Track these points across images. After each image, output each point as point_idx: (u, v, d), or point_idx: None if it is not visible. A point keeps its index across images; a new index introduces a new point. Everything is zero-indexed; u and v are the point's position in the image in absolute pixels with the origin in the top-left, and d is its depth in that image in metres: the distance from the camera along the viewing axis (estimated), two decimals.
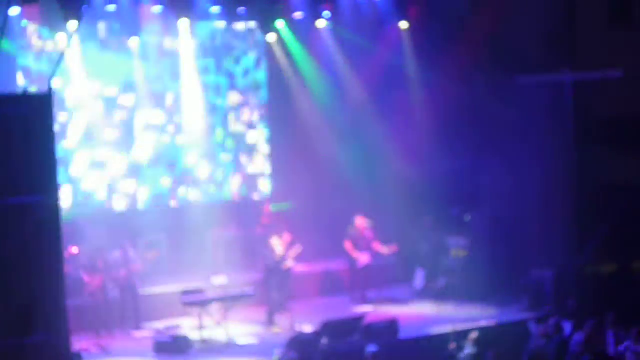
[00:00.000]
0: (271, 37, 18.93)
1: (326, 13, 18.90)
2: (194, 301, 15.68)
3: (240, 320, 16.15)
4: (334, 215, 18.71)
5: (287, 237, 16.55)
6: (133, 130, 18.12)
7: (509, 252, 17.80)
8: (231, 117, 19.27)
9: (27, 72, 16.77)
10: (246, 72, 19.37)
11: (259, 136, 19.60)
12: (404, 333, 15.32)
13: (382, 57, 19.19)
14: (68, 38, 16.13)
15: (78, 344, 13.91)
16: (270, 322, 16.21)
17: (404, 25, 19.34)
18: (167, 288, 16.91)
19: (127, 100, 18.02)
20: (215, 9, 17.99)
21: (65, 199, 16.85)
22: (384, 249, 17.69)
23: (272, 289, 16.34)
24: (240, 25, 18.99)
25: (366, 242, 17.59)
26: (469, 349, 14.25)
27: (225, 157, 19.20)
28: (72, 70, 17.12)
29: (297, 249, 16.48)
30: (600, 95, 18.59)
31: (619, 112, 18.51)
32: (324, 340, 14.57)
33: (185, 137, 18.65)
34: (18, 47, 16.62)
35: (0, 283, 10.69)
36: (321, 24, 18.98)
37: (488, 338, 14.54)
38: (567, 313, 15.62)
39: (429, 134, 18.98)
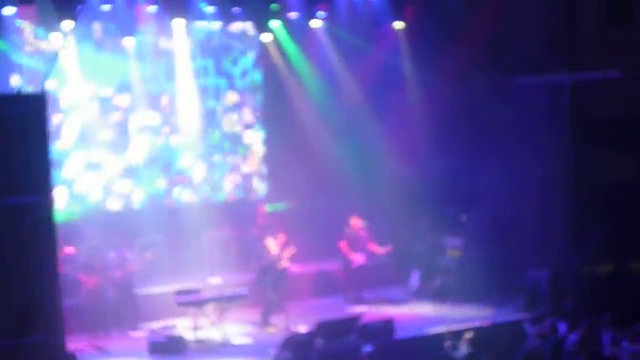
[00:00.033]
0: (266, 37, 18.92)
1: (321, 13, 18.89)
2: (188, 301, 15.67)
3: (235, 321, 16.15)
4: (329, 216, 18.70)
5: (282, 237, 16.55)
6: (128, 131, 18.08)
7: (504, 252, 17.80)
8: (226, 117, 19.26)
9: (21, 72, 16.75)
10: (241, 73, 19.35)
11: (254, 137, 19.59)
12: (399, 333, 15.31)
13: (377, 57, 19.19)
14: (63, 38, 16.13)
15: (74, 344, 13.90)
16: (265, 322, 16.21)
17: (399, 25, 19.33)
18: (163, 288, 16.90)
19: (122, 100, 18.00)
20: (210, 9, 17.97)
21: (60, 200, 16.82)
22: (378, 250, 17.69)
23: (267, 289, 16.35)
24: (235, 26, 18.97)
25: (361, 243, 17.60)
26: (464, 349, 14.26)
27: (221, 158, 19.18)
28: (67, 70, 17.10)
29: (291, 250, 16.48)
30: (598, 95, 18.58)
31: (618, 113, 18.50)
32: (319, 341, 14.56)
33: (180, 138, 18.63)
34: (13, 46, 16.59)
35: None
36: (316, 23, 18.98)
37: (483, 338, 14.54)
38: (562, 313, 15.62)
39: (425, 134, 18.98)
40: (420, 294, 18.04)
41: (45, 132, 11.20)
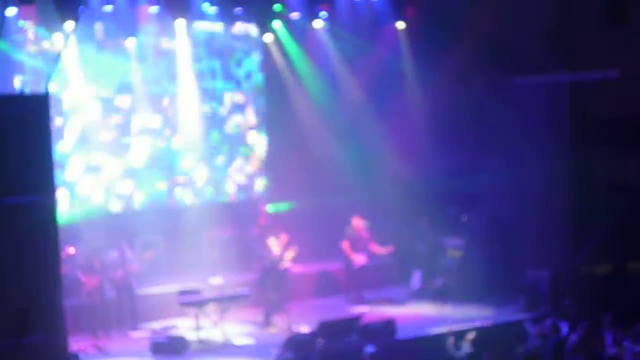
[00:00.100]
0: (268, 38, 18.93)
1: (323, 13, 18.90)
2: (191, 301, 15.68)
3: (236, 321, 16.16)
4: (330, 216, 18.71)
5: (283, 237, 16.56)
6: (129, 132, 18.09)
7: (505, 252, 17.81)
8: (228, 118, 19.26)
9: (23, 73, 16.74)
10: (243, 74, 19.35)
11: (256, 137, 19.59)
12: (401, 333, 15.32)
13: (379, 57, 19.20)
14: (65, 38, 16.12)
15: (75, 344, 13.91)
16: (266, 322, 16.22)
17: (401, 25, 19.36)
18: (164, 288, 16.91)
19: (123, 101, 17.99)
20: (212, 10, 17.98)
21: (62, 202, 16.81)
22: (380, 250, 17.71)
23: (269, 290, 16.35)
24: (237, 26, 18.97)
25: (363, 243, 17.61)
26: (465, 349, 14.27)
27: (222, 159, 19.18)
28: (69, 70, 17.10)
29: (293, 250, 16.48)
30: (597, 95, 18.58)
31: (617, 113, 18.50)
32: (321, 341, 14.57)
33: (181, 139, 18.62)
34: (15, 47, 16.59)
35: None
36: (318, 24, 18.99)
37: (484, 338, 14.56)
38: (563, 313, 15.62)
39: (426, 134, 19.00)
40: (422, 294, 18.05)
41: (48, 133, 11.22)
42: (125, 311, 16.17)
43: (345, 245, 17.55)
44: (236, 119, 19.34)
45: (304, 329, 15.47)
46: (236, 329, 15.95)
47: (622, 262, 17.76)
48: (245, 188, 19.43)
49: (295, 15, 18.72)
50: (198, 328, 15.57)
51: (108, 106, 17.80)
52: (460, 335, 14.51)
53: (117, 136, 17.91)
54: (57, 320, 11.17)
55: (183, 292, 15.88)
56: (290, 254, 16.49)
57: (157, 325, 16.30)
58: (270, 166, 19.59)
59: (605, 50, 18.28)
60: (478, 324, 15.64)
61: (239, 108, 19.33)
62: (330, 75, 19.26)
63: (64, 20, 15.66)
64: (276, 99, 19.41)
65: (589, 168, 18.25)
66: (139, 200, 18.21)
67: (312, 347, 14.44)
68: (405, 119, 19.10)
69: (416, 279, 18.42)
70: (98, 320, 15.81)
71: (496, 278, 17.42)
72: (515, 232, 17.95)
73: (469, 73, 18.73)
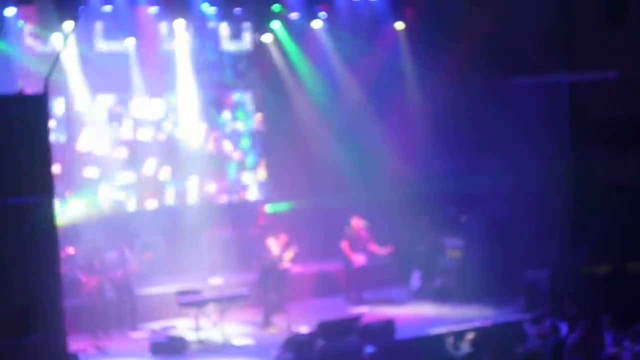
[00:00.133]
0: (267, 38, 18.94)
1: (322, 14, 18.91)
2: (190, 302, 15.69)
3: (236, 321, 16.17)
4: (329, 216, 18.72)
5: (283, 238, 16.56)
6: (128, 131, 18.10)
7: (504, 252, 17.82)
8: (227, 118, 19.26)
9: (22, 73, 16.74)
10: (242, 74, 19.35)
11: (255, 137, 19.58)
12: (400, 334, 15.32)
13: (378, 57, 19.21)
14: (64, 38, 16.12)
15: (75, 344, 13.90)
16: (266, 322, 16.22)
17: (400, 25, 19.37)
18: (163, 289, 16.92)
19: (123, 101, 17.99)
20: (211, 10, 17.98)
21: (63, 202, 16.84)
22: (379, 250, 17.72)
23: (268, 290, 16.36)
24: (236, 27, 18.97)
25: (362, 243, 17.62)
26: (465, 350, 14.27)
27: (221, 158, 19.18)
28: (68, 71, 17.10)
29: (293, 250, 16.49)
30: (596, 96, 18.61)
31: (616, 113, 18.53)
32: (320, 341, 14.57)
33: (181, 138, 18.63)
34: (13, 47, 16.60)
35: None
36: (317, 24, 18.99)
37: (484, 338, 14.56)
38: (562, 314, 15.63)
39: (425, 134, 19.01)
40: (421, 295, 18.06)
41: (46, 133, 11.20)
42: (125, 311, 16.17)
43: (344, 245, 17.55)
44: (235, 118, 19.34)
45: (304, 329, 15.47)
46: (236, 330, 15.96)
47: (622, 262, 17.78)
48: (244, 188, 19.42)
49: (294, 15, 18.72)
50: (197, 328, 15.57)
51: (107, 106, 17.81)
52: (459, 335, 14.52)
53: (116, 134, 17.92)
54: (57, 320, 11.15)
55: (182, 293, 15.89)
56: (289, 254, 16.49)
57: (156, 325, 16.30)
58: (269, 166, 19.59)
59: (604, 51, 18.31)
60: (477, 324, 15.65)
61: (237, 108, 19.33)
62: (330, 76, 19.26)
63: (63, 20, 15.66)
64: (275, 99, 19.41)
65: (588, 168, 18.27)
66: (138, 200, 18.23)
67: (312, 348, 14.44)
68: (405, 119, 19.11)
69: (416, 279, 18.42)
70: (98, 320, 15.82)
71: (495, 278, 17.42)
72: (515, 232, 17.96)
73: (468, 73, 18.74)
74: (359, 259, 17.58)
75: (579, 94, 18.46)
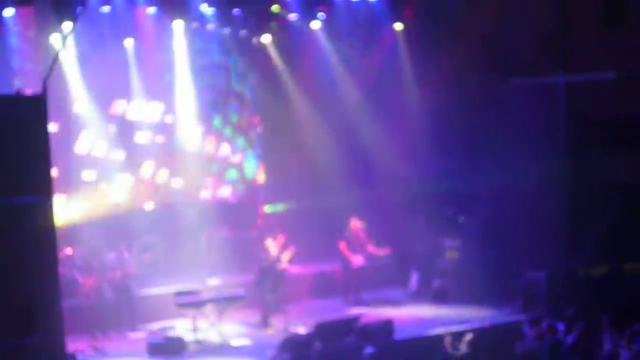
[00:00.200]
0: (266, 39, 18.95)
1: (321, 14, 18.93)
2: (188, 302, 15.69)
3: (234, 322, 16.17)
4: (328, 217, 18.73)
5: (280, 238, 16.58)
6: (127, 130, 18.12)
7: (502, 253, 17.81)
8: (226, 118, 19.27)
9: (21, 73, 16.75)
10: (241, 74, 19.36)
11: (253, 138, 19.60)
12: (398, 334, 15.34)
13: (376, 58, 19.22)
14: (62, 39, 16.13)
15: (73, 345, 13.89)
16: (264, 323, 16.23)
17: (398, 26, 19.39)
18: (161, 289, 16.92)
19: (122, 101, 18.00)
20: (210, 11, 17.99)
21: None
22: (377, 251, 17.73)
23: (266, 291, 16.37)
24: (234, 27, 18.98)
25: (360, 244, 17.64)
26: (463, 350, 14.28)
27: (220, 159, 19.19)
28: (67, 71, 17.10)
29: (290, 251, 16.50)
30: (593, 97, 18.63)
31: (612, 114, 18.55)
32: (318, 342, 14.58)
33: (179, 140, 18.64)
34: (12, 48, 16.60)
35: None
36: (316, 25, 19.01)
37: (482, 339, 14.57)
38: (560, 314, 15.65)
39: (423, 135, 19.02)
40: (420, 295, 18.08)
41: (45, 134, 11.20)
42: (124, 312, 16.17)
43: (342, 246, 17.56)
44: (233, 119, 19.35)
45: (301, 329, 15.48)
46: (233, 330, 15.96)
47: (618, 263, 17.79)
48: (242, 188, 19.44)
49: (293, 16, 18.74)
50: (195, 329, 15.58)
51: (107, 106, 17.82)
52: (457, 336, 14.52)
53: (115, 134, 17.93)
54: (55, 320, 11.15)
55: (180, 293, 15.89)
56: (287, 255, 16.50)
57: (154, 326, 16.30)
58: (267, 167, 19.60)
59: (601, 52, 18.33)
60: (475, 324, 15.66)
61: (236, 108, 19.34)
62: (328, 76, 19.27)
63: (61, 21, 15.68)
64: (274, 100, 19.42)
65: (585, 169, 18.29)
66: (137, 200, 18.24)
67: (310, 348, 14.45)
68: (403, 119, 19.12)
69: (414, 280, 18.43)
70: (96, 321, 15.82)
71: (493, 279, 17.42)
72: (513, 233, 17.96)
73: (465, 74, 18.75)
74: (357, 260, 17.59)
75: (576, 94, 18.48)
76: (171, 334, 15.71)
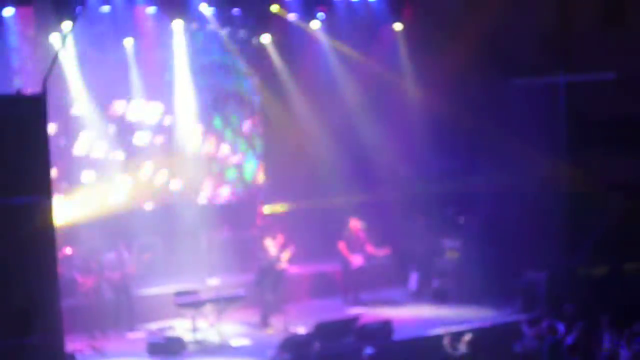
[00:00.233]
0: (265, 39, 18.94)
1: (320, 14, 18.92)
2: (188, 302, 15.69)
3: (233, 322, 16.17)
4: (327, 217, 18.73)
5: (280, 238, 16.57)
6: (127, 130, 18.11)
7: (502, 253, 17.81)
8: (225, 118, 19.26)
9: (20, 73, 16.74)
10: (241, 74, 19.35)
11: (253, 138, 19.59)
12: (398, 334, 15.33)
13: (376, 58, 19.21)
14: (62, 39, 16.12)
15: (72, 344, 13.89)
16: (263, 323, 16.22)
17: (398, 26, 19.39)
18: (161, 289, 16.92)
19: (121, 101, 17.99)
20: (210, 10, 17.98)
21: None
22: (377, 251, 17.73)
23: (266, 291, 16.36)
24: (234, 27, 18.97)
25: (359, 244, 17.63)
26: (462, 350, 14.28)
27: (220, 159, 19.18)
28: (66, 71, 17.10)
29: (290, 250, 16.49)
30: (594, 97, 18.63)
31: (613, 114, 18.55)
32: (318, 342, 14.57)
33: (179, 140, 18.63)
34: (12, 47, 16.59)
35: None
36: (315, 25, 19.00)
37: (482, 339, 14.56)
38: (560, 315, 15.64)
39: (423, 135, 19.01)
40: (419, 296, 18.07)
41: (44, 133, 11.19)
42: (123, 312, 16.17)
43: (342, 246, 17.56)
44: (233, 119, 19.34)
45: (301, 330, 15.48)
46: (233, 330, 15.96)
47: (618, 263, 17.78)
48: (241, 188, 19.43)
49: (292, 16, 18.73)
50: (195, 329, 15.58)
51: (106, 106, 17.81)
52: (457, 336, 14.52)
53: (115, 133, 17.92)
54: (54, 320, 11.14)
55: (180, 293, 15.88)
56: (286, 255, 16.49)
57: (154, 326, 16.30)
58: (267, 167, 19.59)
59: (602, 52, 18.33)
60: (475, 325, 15.66)
61: (235, 108, 19.33)
62: (328, 77, 19.26)
63: (61, 20, 15.67)
64: (273, 100, 19.41)
65: (585, 169, 18.28)
66: (137, 200, 18.23)
67: (309, 348, 14.44)
68: (403, 120, 19.12)
69: (413, 280, 18.43)
70: (95, 320, 15.81)
71: (493, 279, 17.43)
72: (512, 233, 17.95)
73: (466, 74, 18.72)
74: (356, 260, 17.58)
75: (576, 95, 18.48)
76: (170, 334, 15.70)
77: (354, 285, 17.72)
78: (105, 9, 17.04)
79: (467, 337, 14.40)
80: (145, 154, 18.29)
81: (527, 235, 17.88)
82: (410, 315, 16.97)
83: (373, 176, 19.11)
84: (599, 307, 15.32)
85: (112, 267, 16.18)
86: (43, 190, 11.14)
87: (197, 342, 15.44)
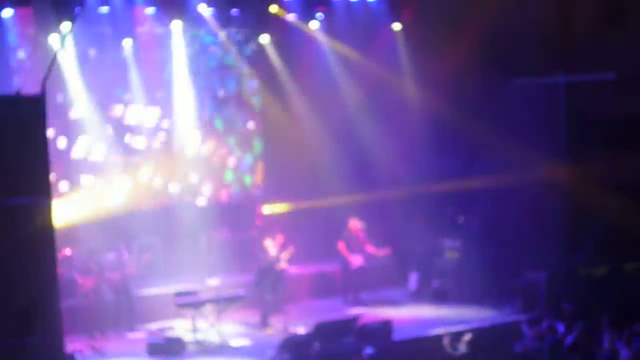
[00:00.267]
0: (265, 39, 18.94)
1: (319, 15, 18.92)
2: (188, 303, 15.69)
3: (233, 322, 16.17)
4: (327, 217, 18.72)
5: (279, 238, 16.57)
6: (126, 131, 18.10)
7: (502, 253, 17.82)
8: (224, 118, 19.26)
9: (20, 73, 16.74)
10: (240, 74, 19.35)
11: (252, 138, 19.58)
12: (398, 335, 15.33)
13: (376, 58, 19.21)
14: (61, 39, 16.12)
15: (72, 345, 13.89)
16: (263, 323, 16.22)
17: (397, 26, 19.39)
18: (161, 290, 16.92)
19: (120, 101, 18.00)
20: (209, 11, 17.98)
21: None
22: (376, 251, 17.73)
23: (266, 291, 16.36)
24: (233, 27, 18.97)
25: (359, 244, 17.63)
26: (462, 350, 14.28)
27: (219, 159, 19.18)
28: (65, 71, 17.09)
29: (289, 251, 16.49)
30: (594, 97, 18.62)
31: (613, 114, 18.55)
32: (318, 342, 14.57)
33: (178, 140, 18.62)
34: (11, 48, 16.59)
35: None
36: (314, 25, 19.00)
37: (481, 339, 14.56)
38: (560, 315, 15.64)
39: (422, 135, 19.01)
40: (419, 296, 18.07)
41: (44, 134, 11.20)
42: (123, 312, 16.18)
43: (342, 246, 17.56)
44: (231, 119, 19.34)
45: (301, 330, 15.49)
46: (233, 330, 15.96)
47: (619, 263, 17.78)
48: (241, 188, 19.42)
49: (291, 16, 18.73)
50: (195, 329, 15.58)
51: (105, 105, 17.81)
52: (457, 336, 14.52)
53: (114, 133, 17.91)
54: (54, 321, 11.15)
55: (180, 294, 15.88)
56: (286, 255, 16.49)
57: (154, 326, 16.30)
58: (267, 167, 19.59)
59: (602, 52, 18.31)
60: (475, 325, 15.66)
61: (234, 108, 19.33)
62: (327, 77, 19.26)
63: (60, 21, 15.67)
64: (273, 100, 19.41)
65: (585, 169, 18.27)
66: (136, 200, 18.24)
67: (309, 348, 14.44)
68: (402, 120, 19.12)
69: (413, 281, 18.42)
70: (94, 321, 15.81)
71: (493, 279, 17.43)
72: (513, 234, 17.97)
73: (465, 74, 18.71)
74: (356, 260, 17.58)
75: (576, 95, 18.48)
76: (170, 334, 15.70)
77: (353, 285, 17.71)
78: (105, 9, 17.03)
79: (467, 337, 14.40)
80: (144, 155, 18.27)
81: (527, 235, 17.88)
82: (410, 315, 16.97)
83: (373, 176, 19.11)
84: (599, 307, 15.32)
85: (112, 268, 16.18)
86: (42, 190, 11.15)
87: (197, 343, 15.44)
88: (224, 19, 18.40)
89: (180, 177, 18.66)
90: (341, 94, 19.39)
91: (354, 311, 16.76)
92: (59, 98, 17.29)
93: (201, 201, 18.86)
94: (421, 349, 14.98)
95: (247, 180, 19.50)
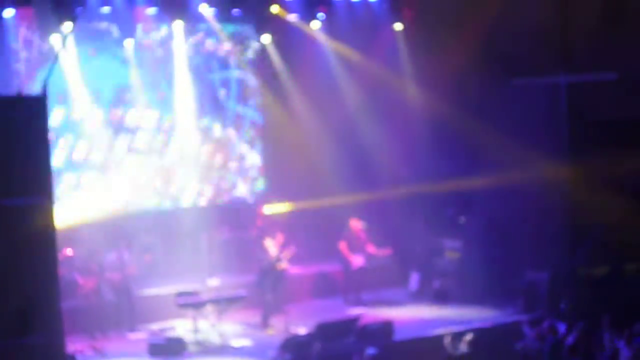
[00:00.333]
0: (266, 39, 18.94)
1: (321, 15, 18.92)
2: (188, 303, 15.69)
3: (234, 322, 16.17)
4: (328, 217, 18.72)
5: (280, 238, 16.57)
6: (126, 132, 18.11)
7: (503, 253, 17.82)
8: (224, 118, 19.26)
9: (21, 74, 16.74)
10: (241, 74, 19.35)
11: (253, 138, 19.59)
12: (399, 335, 15.33)
13: (376, 58, 19.21)
14: (62, 40, 16.12)
15: (72, 345, 13.89)
16: (264, 324, 16.23)
17: (398, 27, 19.39)
18: (161, 290, 16.92)
19: (120, 101, 18.00)
20: (210, 11, 17.98)
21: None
22: (377, 251, 17.73)
23: (267, 291, 16.36)
24: (234, 27, 18.98)
25: (360, 244, 17.63)
26: (462, 350, 14.28)
27: (220, 159, 19.18)
28: (66, 72, 17.09)
29: (290, 251, 16.50)
30: (595, 97, 18.62)
31: (614, 114, 18.54)
32: (318, 342, 14.57)
33: (179, 140, 18.63)
34: (12, 48, 16.59)
35: None
36: (316, 25, 19.00)
37: (482, 339, 14.57)
38: (561, 315, 15.65)
39: (423, 135, 19.02)
40: (420, 296, 18.07)
41: (45, 134, 11.19)
42: (124, 313, 16.17)
43: (342, 246, 17.56)
44: (232, 119, 19.34)
45: (302, 330, 15.49)
46: (234, 331, 15.96)
47: (619, 263, 17.79)
48: (242, 188, 19.42)
49: (293, 16, 18.73)
50: (196, 329, 15.59)
51: (106, 106, 17.81)
52: (458, 336, 14.52)
53: (114, 133, 17.92)
54: (55, 321, 11.13)
55: (181, 294, 15.89)
56: (287, 255, 16.49)
57: (155, 326, 16.30)
58: (267, 167, 19.60)
59: (603, 52, 18.31)
60: (476, 325, 15.67)
61: (234, 108, 19.33)
62: (328, 77, 19.27)
63: (61, 21, 15.67)
64: (274, 100, 19.41)
65: (586, 169, 18.27)
66: (137, 201, 18.24)
67: (310, 349, 14.44)
68: (403, 120, 19.12)
69: (414, 281, 18.43)
70: (95, 321, 15.81)
71: (494, 279, 17.43)
72: (513, 234, 17.97)
73: (466, 75, 18.72)
74: (357, 260, 17.58)
75: (577, 95, 18.47)
76: (171, 334, 15.71)
77: (354, 285, 17.71)
78: (106, 9, 17.03)
79: (468, 337, 14.40)
80: (144, 155, 18.27)
81: (528, 236, 17.89)
82: (411, 315, 16.97)
83: (374, 176, 19.11)
84: (600, 307, 15.32)
85: (113, 268, 16.18)
86: (44, 191, 11.13)
87: (198, 343, 15.45)
88: (225, 19, 18.41)
89: (181, 177, 18.66)
90: (342, 94, 19.39)
91: (355, 311, 16.76)
92: (60, 98, 17.28)
93: (202, 201, 18.86)
94: (422, 349, 14.98)
95: (248, 180, 19.50)
